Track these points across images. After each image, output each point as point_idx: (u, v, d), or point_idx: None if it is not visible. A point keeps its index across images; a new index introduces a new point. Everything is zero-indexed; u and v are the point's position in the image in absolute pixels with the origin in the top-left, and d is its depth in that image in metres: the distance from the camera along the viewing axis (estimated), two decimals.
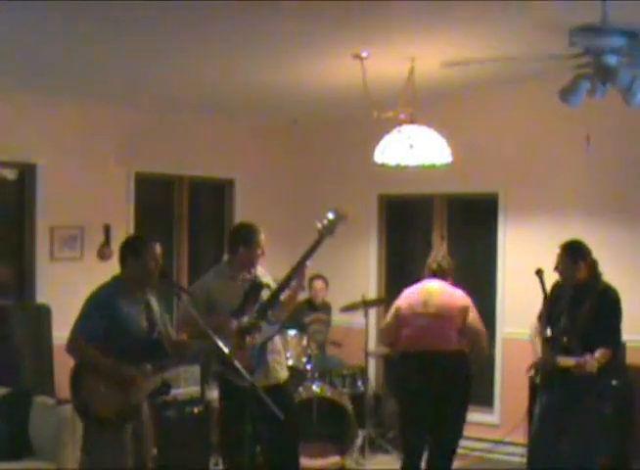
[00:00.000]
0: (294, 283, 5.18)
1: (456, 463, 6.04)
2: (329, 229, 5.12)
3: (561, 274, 5.42)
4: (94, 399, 4.32)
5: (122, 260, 4.59)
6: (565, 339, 5.26)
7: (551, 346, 5.32)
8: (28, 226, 6.45)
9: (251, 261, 5.24)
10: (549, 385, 5.38)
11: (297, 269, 5.13)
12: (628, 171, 6.75)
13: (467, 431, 6.09)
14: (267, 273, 5.38)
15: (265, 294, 5.18)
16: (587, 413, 5.30)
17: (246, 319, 5.05)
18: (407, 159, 6.07)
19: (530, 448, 5.59)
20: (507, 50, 4.79)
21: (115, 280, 4.57)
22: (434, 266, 5.92)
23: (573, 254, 5.38)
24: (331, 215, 5.15)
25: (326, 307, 7.66)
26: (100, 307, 4.41)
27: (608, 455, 6.20)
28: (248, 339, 4.99)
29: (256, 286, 5.16)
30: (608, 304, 5.33)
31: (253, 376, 4.66)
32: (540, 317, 5.55)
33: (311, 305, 7.58)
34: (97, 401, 4.32)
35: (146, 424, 4.59)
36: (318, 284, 7.59)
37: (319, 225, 5.16)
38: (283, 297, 5.22)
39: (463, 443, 6.27)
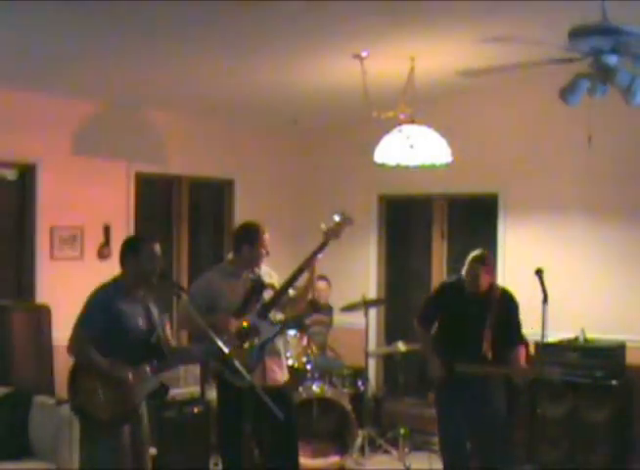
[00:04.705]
0: (303, 280, 5.20)
1: None
2: (334, 232, 5.14)
3: (480, 284, 5.31)
4: (91, 400, 4.31)
5: (122, 261, 4.59)
6: (484, 344, 5.22)
7: (455, 351, 5.30)
8: (28, 226, 6.44)
9: (255, 261, 5.22)
10: (447, 392, 5.39)
11: (302, 269, 5.14)
12: (628, 171, 6.74)
13: None
14: (274, 274, 5.37)
15: (268, 294, 5.18)
16: (493, 418, 5.33)
17: (245, 319, 5.05)
18: (407, 159, 6.07)
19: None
20: (508, 49, 4.80)
21: (115, 281, 4.57)
22: None
23: (492, 263, 5.48)
24: (337, 218, 5.16)
25: (327, 309, 7.64)
26: (100, 308, 4.40)
27: (607, 455, 6.21)
28: (246, 340, 4.98)
29: (258, 286, 5.14)
30: (515, 304, 5.43)
31: (251, 377, 4.66)
32: (422, 319, 5.59)
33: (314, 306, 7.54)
34: (94, 403, 4.31)
35: (144, 426, 4.58)
36: (321, 285, 7.54)
37: (324, 227, 5.16)
38: (292, 293, 5.24)
39: None
